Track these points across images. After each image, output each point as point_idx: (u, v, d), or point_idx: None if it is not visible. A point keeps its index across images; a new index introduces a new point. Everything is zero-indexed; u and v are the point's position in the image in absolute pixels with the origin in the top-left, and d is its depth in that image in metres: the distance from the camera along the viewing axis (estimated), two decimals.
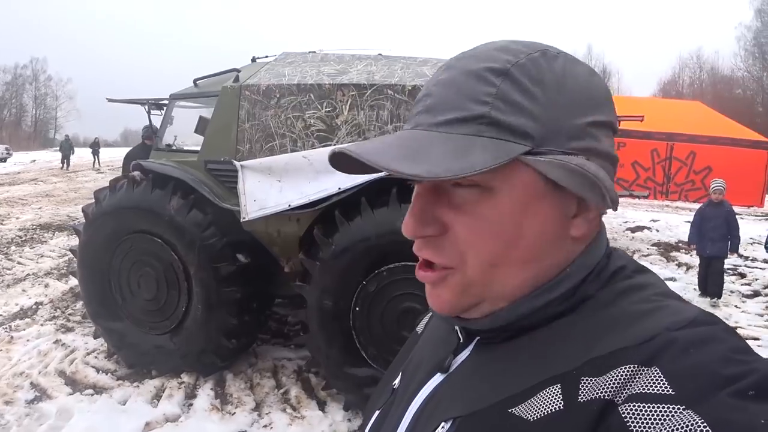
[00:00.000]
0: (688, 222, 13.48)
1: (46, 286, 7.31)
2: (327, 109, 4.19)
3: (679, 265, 9.30)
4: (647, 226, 12.36)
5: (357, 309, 3.99)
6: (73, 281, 7.52)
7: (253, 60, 5.02)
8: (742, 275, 8.85)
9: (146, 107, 5.84)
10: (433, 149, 0.57)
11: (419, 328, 0.87)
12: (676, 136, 18.47)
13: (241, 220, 4.16)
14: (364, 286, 3.95)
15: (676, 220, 13.59)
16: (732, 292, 7.86)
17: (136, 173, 4.59)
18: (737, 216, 7.37)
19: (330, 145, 4.17)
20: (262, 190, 4.16)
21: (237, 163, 4.30)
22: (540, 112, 0.57)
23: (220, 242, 4.32)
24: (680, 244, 10.87)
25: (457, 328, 0.70)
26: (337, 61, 4.64)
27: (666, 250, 10.23)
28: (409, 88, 4.07)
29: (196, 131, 4.69)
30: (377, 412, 0.77)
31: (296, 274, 4.45)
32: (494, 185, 0.58)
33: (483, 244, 0.60)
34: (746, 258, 9.93)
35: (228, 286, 4.32)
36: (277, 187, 4.16)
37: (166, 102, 5.83)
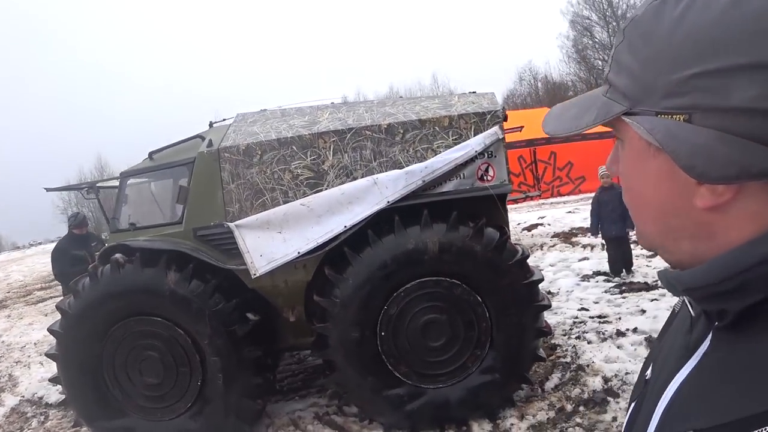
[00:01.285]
0: (570, 212, 15.20)
1: None
2: (312, 158, 4.44)
3: (584, 246, 10.39)
4: (539, 223, 13.61)
5: (383, 334, 4.22)
6: (10, 401, 6.84)
7: (211, 125, 5.13)
8: (636, 242, 10.08)
9: (85, 192, 5.64)
10: (573, 110, 0.67)
11: (676, 307, 0.80)
12: (536, 141, 20.45)
13: (252, 276, 4.23)
14: (385, 310, 4.20)
15: (559, 213, 15.08)
16: (637, 256, 8.94)
17: (118, 256, 4.46)
18: None
19: (321, 190, 4.40)
20: (266, 244, 4.28)
21: (230, 224, 4.38)
22: (638, 70, 0.56)
23: (230, 305, 4.33)
24: (574, 230, 12.15)
25: (685, 300, 0.70)
26: (300, 114, 4.90)
27: (567, 237, 11.39)
28: (385, 126, 4.44)
29: (177, 201, 4.67)
30: (633, 404, 0.75)
31: (303, 322, 4.59)
32: (624, 140, 0.63)
33: (625, 189, 0.67)
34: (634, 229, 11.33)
35: (246, 347, 4.33)
36: (279, 238, 4.30)
37: (106, 185, 5.70)
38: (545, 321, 4.54)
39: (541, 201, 19.12)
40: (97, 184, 5.67)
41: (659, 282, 7.06)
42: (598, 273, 8.20)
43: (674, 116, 0.53)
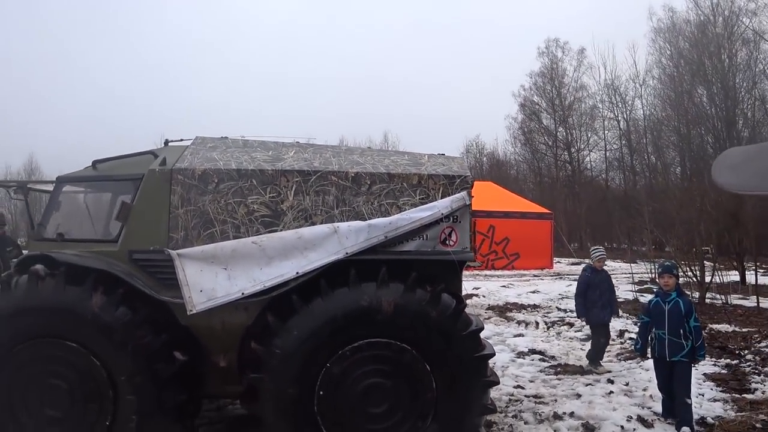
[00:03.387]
0: (505, 287, 15.37)
1: None
2: (271, 195, 4.20)
3: (519, 322, 10.41)
4: (474, 294, 13.66)
5: (321, 393, 3.92)
6: None
7: (167, 143, 4.81)
8: (571, 324, 10.12)
9: (13, 191, 5.16)
10: (761, 162, 0.59)
11: None
12: (477, 212, 20.81)
13: (188, 312, 3.88)
14: (328, 368, 3.92)
15: (494, 286, 15.25)
16: (570, 338, 8.98)
17: (39, 267, 4.01)
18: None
19: (276, 230, 4.15)
20: (208, 280, 3.96)
21: (172, 252, 4.04)
22: None
23: (157, 341, 3.94)
24: (508, 305, 12.24)
25: None
26: (264, 148, 4.68)
27: (501, 312, 11.43)
28: (352, 174, 4.27)
29: (117, 218, 4.29)
30: None
31: (233, 369, 4.24)
32: None
33: None
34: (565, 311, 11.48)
35: (169, 389, 3.93)
36: (224, 275, 3.99)
37: (38, 187, 5.25)
38: (491, 398, 4.37)
39: (476, 272, 19.35)
40: (29, 185, 5.19)
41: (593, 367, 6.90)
42: (533, 351, 8.16)
43: None
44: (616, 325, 9.85)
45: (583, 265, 8.27)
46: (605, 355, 8.11)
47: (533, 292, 14.41)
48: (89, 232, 4.80)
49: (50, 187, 4.87)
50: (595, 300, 7.18)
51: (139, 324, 3.93)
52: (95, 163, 4.67)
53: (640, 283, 15.07)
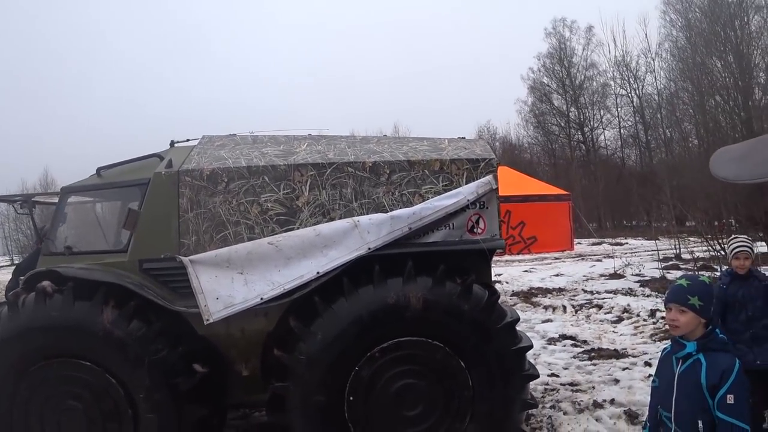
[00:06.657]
0: (527, 272, 15.06)
1: None
2: (285, 191, 3.96)
3: (546, 307, 10.10)
4: (496, 281, 13.36)
5: (351, 399, 3.69)
6: None
7: (172, 144, 4.57)
8: (599, 306, 9.81)
9: (18, 206, 4.96)
10: (759, 155, 0.55)
11: None
12: None
13: (205, 322, 3.65)
14: (356, 372, 3.69)
15: (516, 272, 14.96)
16: (601, 321, 8.65)
17: (45, 283, 3.80)
18: None
19: (293, 228, 3.91)
20: (224, 286, 3.72)
21: (184, 259, 3.81)
22: None
23: (174, 353, 3.73)
24: (533, 290, 11.95)
25: None
26: (274, 142, 4.43)
27: (527, 297, 11.13)
28: (370, 164, 4.02)
29: (124, 226, 4.07)
30: None
31: (257, 377, 4.02)
32: None
33: None
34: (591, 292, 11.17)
35: (189, 404, 3.71)
36: (240, 280, 3.75)
37: (44, 200, 5.05)
38: (530, 392, 4.12)
39: (495, 258, 18.99)
40: (33, 198, 5.00)
41: (627, 349, 6.63)
42: (564, 336, 7.86)
43: None
44: (645, 304, 9.54)
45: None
46: (639, 335, 7.82)
47: (556, 275, 14.11)
48: (98, 243, 4.59)
49: (55, 199, 4.66)
50: (737, 329, 3.85)
51: (154, 337, 3.71)
52: (99, 170, 4.45)
53: (665, 260, 14.72)
